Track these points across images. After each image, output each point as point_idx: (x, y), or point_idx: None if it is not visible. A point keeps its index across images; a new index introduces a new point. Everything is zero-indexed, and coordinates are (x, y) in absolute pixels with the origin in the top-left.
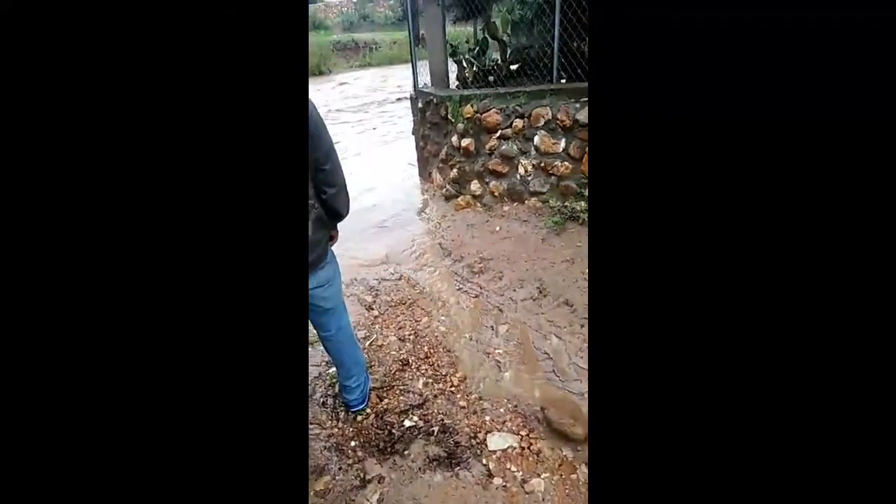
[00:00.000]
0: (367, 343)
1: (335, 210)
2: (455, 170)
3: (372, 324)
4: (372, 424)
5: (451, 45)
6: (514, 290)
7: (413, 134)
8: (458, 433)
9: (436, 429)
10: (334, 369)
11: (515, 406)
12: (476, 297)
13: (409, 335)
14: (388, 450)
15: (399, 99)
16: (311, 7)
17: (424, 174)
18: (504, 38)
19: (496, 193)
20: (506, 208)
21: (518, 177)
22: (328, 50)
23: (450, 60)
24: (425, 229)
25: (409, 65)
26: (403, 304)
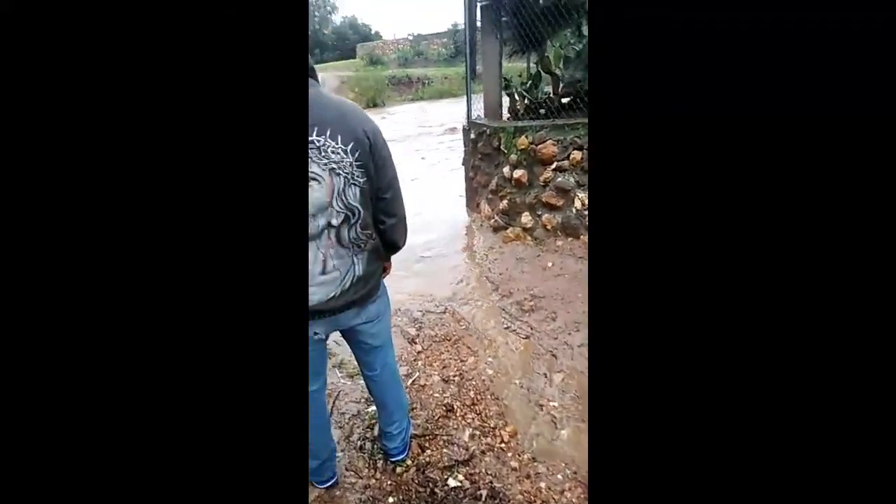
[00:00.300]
0: (409, 381)
1: (392, 241)
2: (505, 201)
3: (415, 360)
4: (413, 479)
5: (504, 78)
6: (570, 334)
7: (463, 164)
8: (509, 501)
9: (484, 493)
10: (374, 408)
11: (575, 472)
12: (526, 338)
13: (454, 376)
14: None
15: (446, 131)
16: (369, 44)
17: (472, 205)
18: (557, 72)
19: (549, 227)
20: (559, 243)
21: (574, 210)
22: (384, 84)
23: (502, 93)
24: (472, 261)
25: (457, 99)
26: (448, 339)
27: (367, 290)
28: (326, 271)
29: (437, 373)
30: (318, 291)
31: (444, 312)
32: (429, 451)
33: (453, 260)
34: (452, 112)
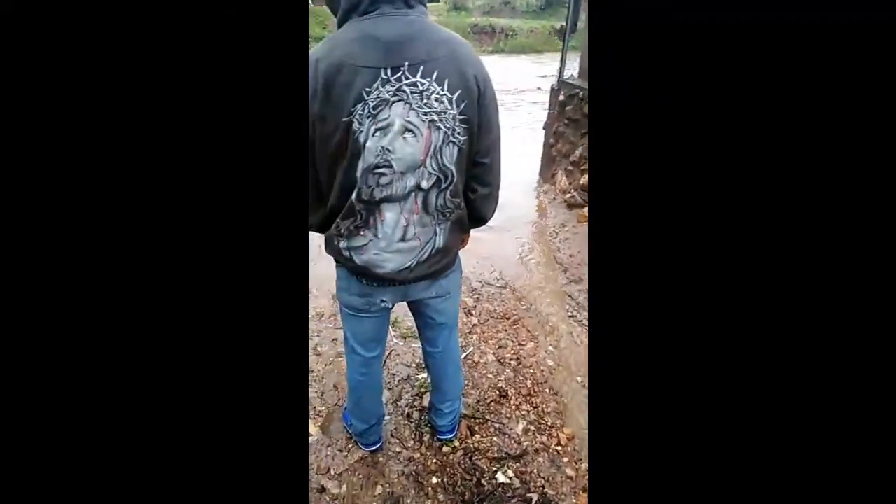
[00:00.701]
0: (463, 356)
1: (481, 214)
2: (587, 176)
3: (469, 332)
4: (459, 463)
5: None
6: None
7: (544, 129)
8: None
9: (534, 497)
10: (424, 375)
11: None
12: None
13: (511, 359)
14: None
15: (520, 91)
16: None
17: (546, 174)
18: None
19: None
20: None
21: None
22: (466, 32)
23: None
24: (539, 236)
25: (539, 56)
26: (507, 318)
27: (443, 263)
28: (406, 239)
29: (492, 352)
30: (394, 259)
31: (505, 287)
32: (478, 437)
33: (518, 232)
34: (530, 70)
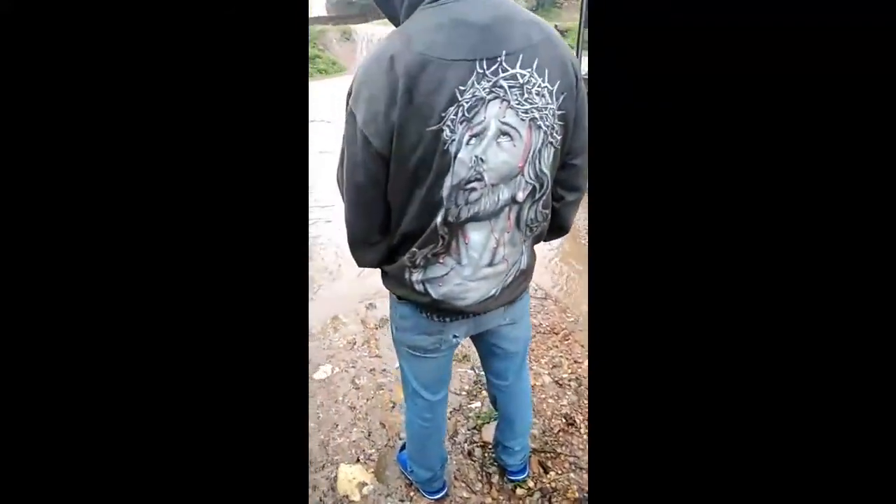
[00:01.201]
0: None
1: (563, 222)
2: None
3: None
4: None
5: None
6: None
7: None
8: None
9: None
10: (478, 404)
11: None
12: None
13: (570, 380)
14: None
15: None
16: None
17: None
18: None
19: None
20: None
21: None
22: None
23: None
24: (572, 242)
25: None
26: (556, 333)
27: (524, 286)
28: (494, 262)
29: (546, 372)
30: (479, 288)
31: (546, 299)
32: (552, 474)
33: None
34: None
